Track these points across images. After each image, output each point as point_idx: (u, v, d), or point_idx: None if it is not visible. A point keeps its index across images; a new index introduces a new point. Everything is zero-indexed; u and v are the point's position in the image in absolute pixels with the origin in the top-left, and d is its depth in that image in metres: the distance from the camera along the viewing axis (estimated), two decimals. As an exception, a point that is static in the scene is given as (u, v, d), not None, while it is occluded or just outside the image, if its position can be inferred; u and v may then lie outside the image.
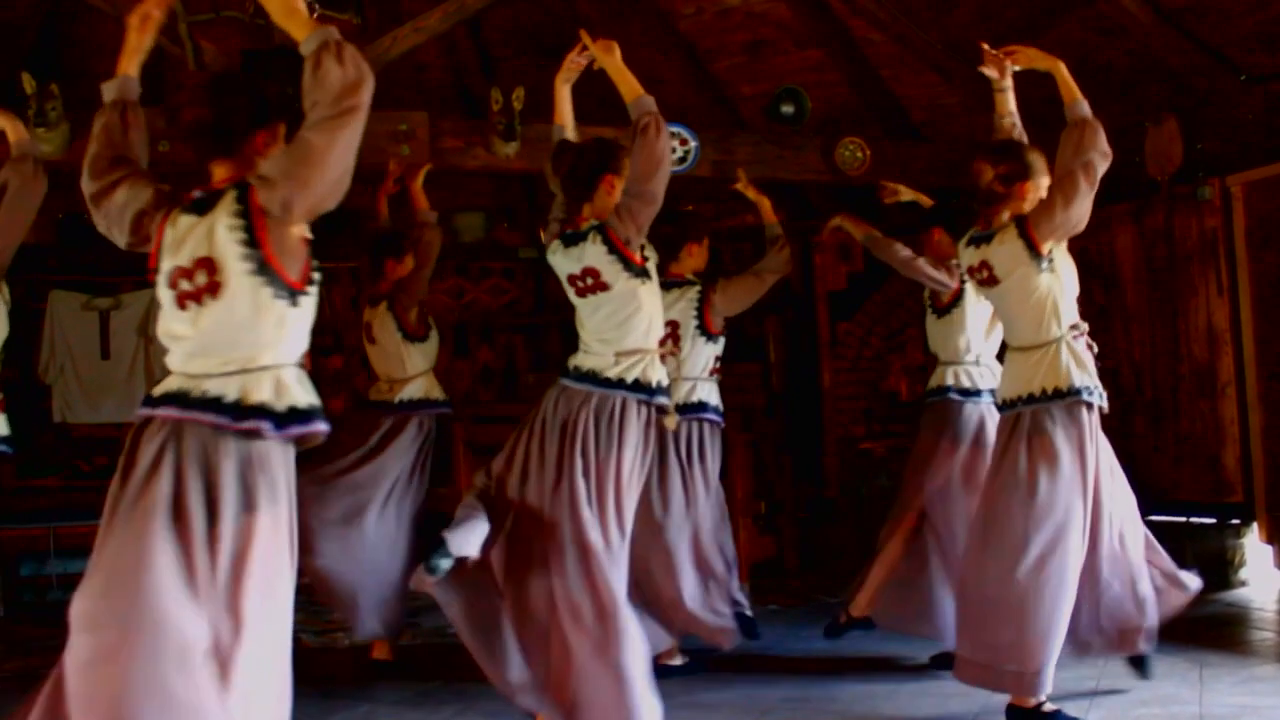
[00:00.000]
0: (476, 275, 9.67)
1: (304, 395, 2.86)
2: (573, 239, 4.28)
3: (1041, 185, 4.46)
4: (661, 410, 4.21)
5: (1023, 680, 4.21)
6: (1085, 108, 4.36)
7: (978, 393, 5.33)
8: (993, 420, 5.08)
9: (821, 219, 8.81)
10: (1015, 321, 4.46)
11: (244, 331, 2.81)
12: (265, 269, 2.79)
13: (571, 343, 4.35)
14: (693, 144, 6.71)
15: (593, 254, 4.19)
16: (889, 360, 8.47)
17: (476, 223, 9.65)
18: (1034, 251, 4.27)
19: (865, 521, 8.12)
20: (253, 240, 2.78)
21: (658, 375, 4.18)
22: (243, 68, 5.75)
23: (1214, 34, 6.36)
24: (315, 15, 5.91)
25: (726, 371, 5.54)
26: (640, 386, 4.14)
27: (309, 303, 2.89)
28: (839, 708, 4.66)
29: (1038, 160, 4.53)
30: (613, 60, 4.37)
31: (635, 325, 4.18)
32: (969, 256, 4.53)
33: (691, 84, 8.36)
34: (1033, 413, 4.31)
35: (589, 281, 4.22)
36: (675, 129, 6.72)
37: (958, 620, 4.50)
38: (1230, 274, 6.77)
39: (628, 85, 4.27)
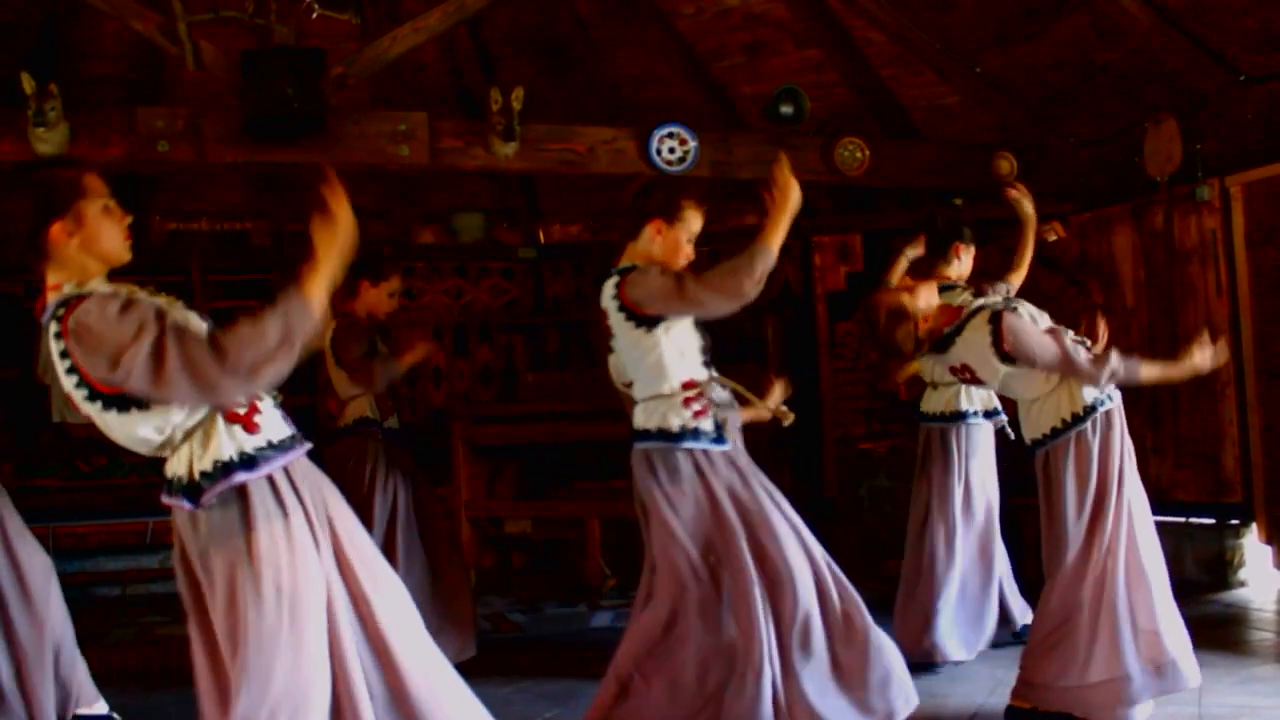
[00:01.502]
0: (476, 275, 9.67)
1: (209, 458, 2.76)
2: (602, 279, 4.03)
3: (923, 294, 4.42)
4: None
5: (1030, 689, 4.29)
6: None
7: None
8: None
9: (821, 219, 8.87)
10: (1020, 391, 4.43)
11: (136, 442, 2.83)
12: (109, 401, 2.76)
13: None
14: (692, 144, 6.71)
15: (606, 296, 3.96)
16: (889, 361, 8.45)
17: (476, 223, 9.65)
18: (1005, 356, 4.24)
19: (864, 521, 8.12)
20: (82, 382, 2.76)
21: (680, 419, 3.91)
22: (242, 68, 5.75)
23: (1213, 34, 6.36)
24: (315, 16, 5.98)
25: (724, 372, 5.53)
26: (662, 434, 3.93)
27: None
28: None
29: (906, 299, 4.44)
30: (786, 206, 4.02)
31: (645, 371, 3.96)
32: (941, 362, 4.54)
33: (691, 84, 8.36)
34: (1063, 443, 4.31)
35: (604, 324, 4.01)
36: (674, 129, 6.73)
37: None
38: (1229, 274, 6.76)
39: (774, 231, 3.99)
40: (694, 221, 4.05)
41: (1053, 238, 7.78)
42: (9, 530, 4.46)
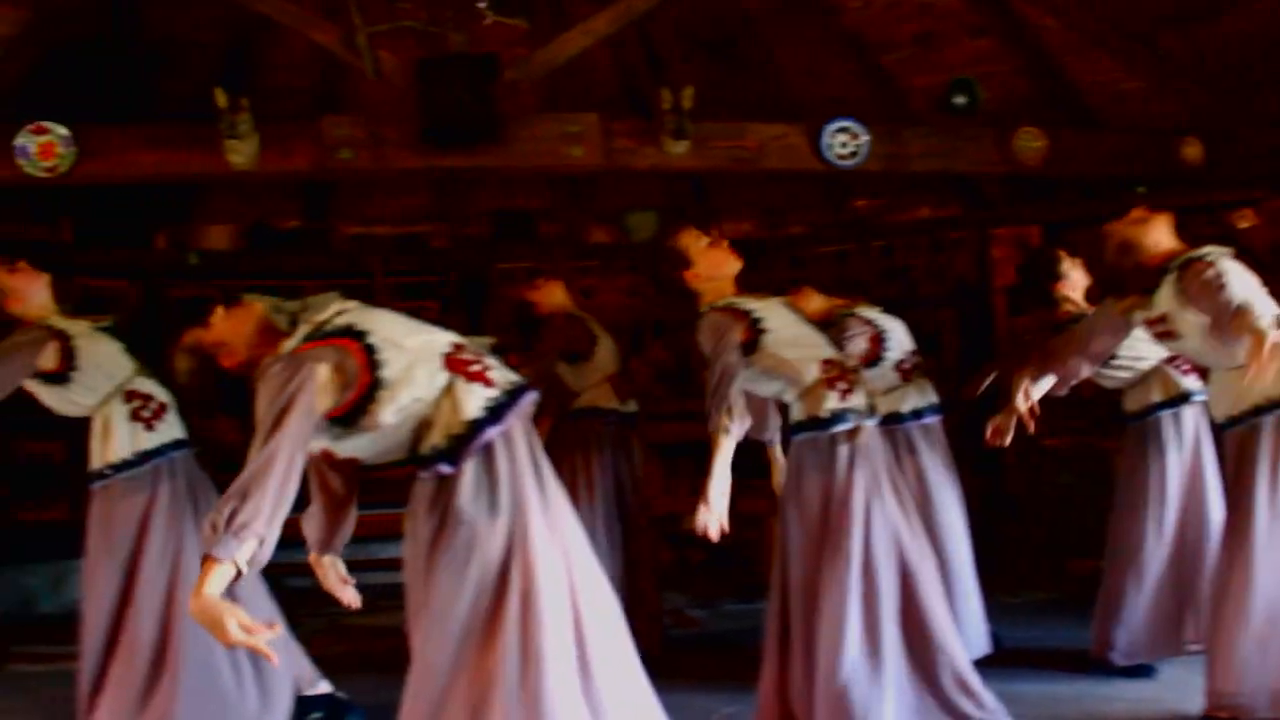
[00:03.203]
0: (649, 273, 9.72)
1: (459, 419, 2.91)
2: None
3: (1155, 229, 4.25)
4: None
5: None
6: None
7: None
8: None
9: (997, 211, 8.68)
10: (1219, 358, 4.20)
11: (393, 444, 3.02)
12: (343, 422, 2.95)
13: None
14: (863, 138, 6.63)
15: None
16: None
17: (648, 222, 9.71)
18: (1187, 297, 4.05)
19: (1047, 520, 7.93)
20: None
21: (829, 404, 4.10)
22: (419, 75, 5.91)
23: None
24: (488, 22, 6.10)
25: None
26: (813, 422, 4.13)
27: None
28: (1024, 709, 4.54)
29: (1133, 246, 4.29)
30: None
31: (778, 380, 4.20)
32: (1144, 311, 4.32)
33: (860, 77, 8.27)
34: (1265, 424, 4.07)
35: None
36: (845, 123, 6.66)
37: None
38: None
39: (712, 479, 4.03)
40: (696, 245, 4.39)
41: (1244, 224, 7.48)
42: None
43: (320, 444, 2.98)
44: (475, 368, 2.98)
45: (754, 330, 4.12)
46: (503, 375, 3.02)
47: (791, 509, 4.12)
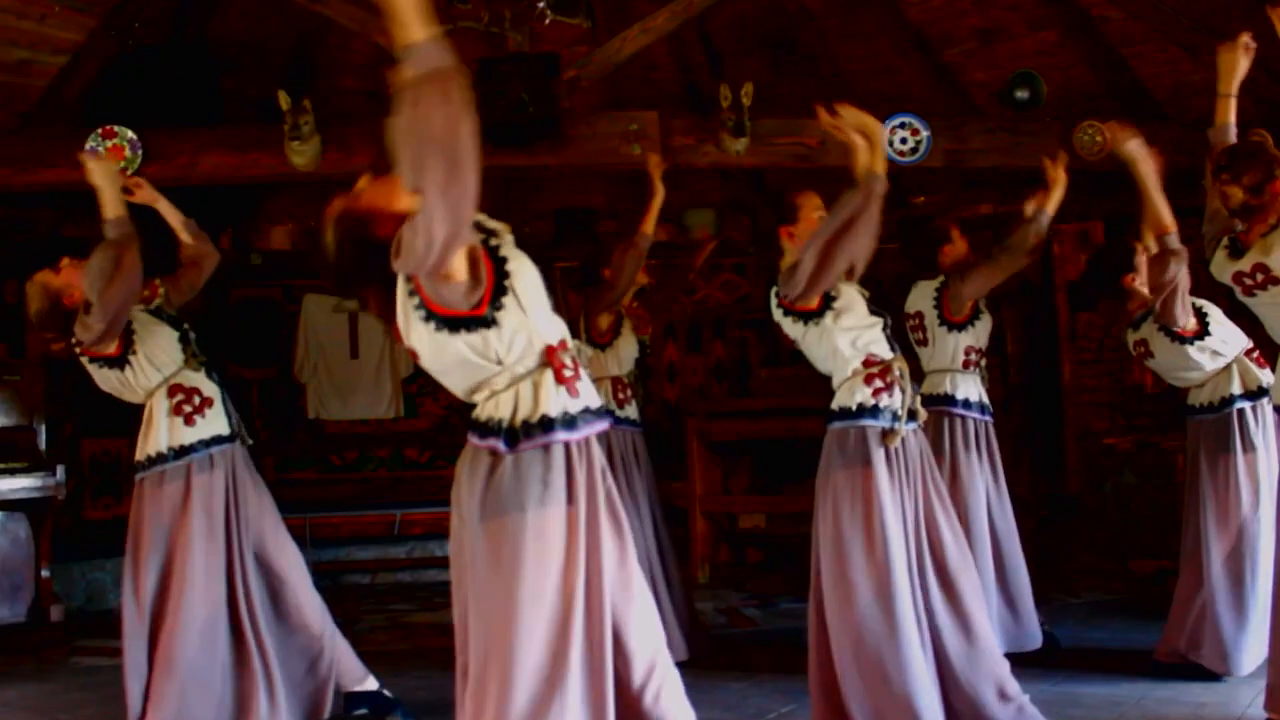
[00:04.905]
0: (708, 271, 9.73)
1: (538, 411, 2.88)
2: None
3: None
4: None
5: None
6: None
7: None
8: None
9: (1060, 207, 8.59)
10: None
11: (438, 372, 2.98)
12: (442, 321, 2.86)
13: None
14: (924, 134, 6.60)
15: (773, 310, 4.37)
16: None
17: (707, 219, 9.70)
18: None
19: (1109, 520, 7.84)
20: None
21: (861, 396, 4.11)
22: (479, 75, 5.94)
23: None
24: (548, 22, 6.13)
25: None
26: (843, 413, 4.17)
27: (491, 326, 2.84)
28: (1085, 711, 4.51)
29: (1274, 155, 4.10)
30: None
31: (828, 360, 4.26)
32: (1228, 270, 4.16)
33: (922, 72, 8.22)
34: None
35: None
36: (906, 119, 6.63)
37: None
38: None
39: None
40: (812, 209, 4.35)
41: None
42: (265, 528, 4.68)
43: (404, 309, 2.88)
44: (568, 373, 2.93)
45: (824, 297, 4.15)
46: (589, 393, 2.99)
47: (823, 500, 4.15)
